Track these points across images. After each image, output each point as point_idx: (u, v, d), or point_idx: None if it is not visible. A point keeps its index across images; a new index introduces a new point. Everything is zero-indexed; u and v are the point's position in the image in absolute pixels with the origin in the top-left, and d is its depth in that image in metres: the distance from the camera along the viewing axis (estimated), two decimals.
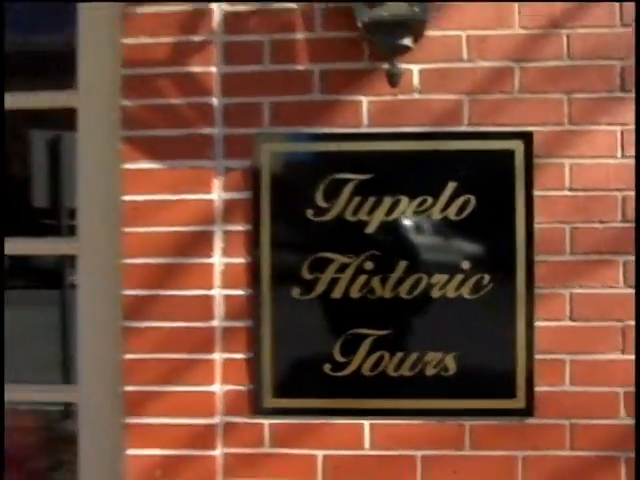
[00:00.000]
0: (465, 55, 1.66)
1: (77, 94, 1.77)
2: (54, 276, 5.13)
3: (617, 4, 1.63)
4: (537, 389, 1.63)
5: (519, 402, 1.63)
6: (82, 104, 1.76)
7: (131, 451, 1.67)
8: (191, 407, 1.66)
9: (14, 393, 1.83)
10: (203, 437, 1.67)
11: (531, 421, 1.64)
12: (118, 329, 1.70)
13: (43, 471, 2.65)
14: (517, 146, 1.62)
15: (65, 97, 1.82)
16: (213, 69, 1.68)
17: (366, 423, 1.68)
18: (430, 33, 1.64)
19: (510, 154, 1.62)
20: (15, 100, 1.81)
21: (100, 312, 1.73)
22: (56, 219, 4.49)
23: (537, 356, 1.63)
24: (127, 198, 1.66)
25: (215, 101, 1.68)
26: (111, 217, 1.71)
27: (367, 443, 1.68)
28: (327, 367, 1.66)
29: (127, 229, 1.66)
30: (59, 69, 1.94)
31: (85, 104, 1.76)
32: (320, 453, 1.68)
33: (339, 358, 1.66)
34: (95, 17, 1.74)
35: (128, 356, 1.67)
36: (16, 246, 1.84)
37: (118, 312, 1.71)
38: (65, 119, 1.95)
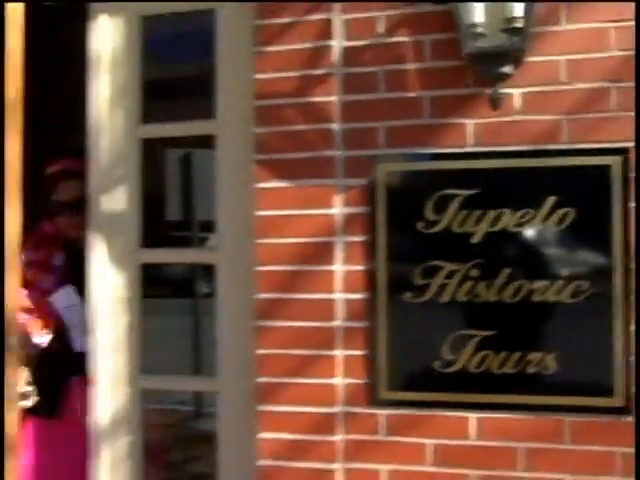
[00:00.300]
0: (563, 78, 1.91)
1: (215, 123, 2.17)
2: (184, 286, 5.70)
3: None
4: (634, 389, 1.84)
5: (617, 401, 1.86)
6: (220, 131, 2.15)
7: (262, 435, 2.00)
8: (315, 397, 1.92)
9: (165, 383, 2.24)
10: (325, 424, 1.95)
11: (630, 419, 1.86)
12: (252, 328, 2.07)
13: (178, 464, 3.09)
14: (614, 161, 1.86)
15: (205, 125, 2.22)
16: (334, 98, 2.01)
17: (472, 416, 1.92)
18: (530, 59, 1.91)
19: (607, 169, 1.86)
20: (162, 130, 2.24)
21: (236, 313, 2.10)
22: (188, 231, 5.03)
23: (632, 358, 1.85)
24: (260, 213, 2.02)
25: (336, 127, 2.01)
26: (246, 230, 2.07)
27: (473, 434, 1.94)
28: (437, 364, 1.95)
29: (260, 240, 2.02)
30: (198, 96, 2.34)
31: (223, 131, 2.14)
32: (430, 442, 1.93)
33: (448, 356, 1.95)
34: (231, 55, 2.12)
35: (261, 351, 2.01)
36: (161, 256, 2.26)
37: (252, 313, 2.08)
38: (194, 138, 2.36)
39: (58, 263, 2.20)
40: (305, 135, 1.89)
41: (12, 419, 1.78)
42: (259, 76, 1.90)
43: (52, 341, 2.17)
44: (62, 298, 2.15)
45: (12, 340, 1.79)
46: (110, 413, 2.17)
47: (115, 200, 2.17)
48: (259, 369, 1.87)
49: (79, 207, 2.13)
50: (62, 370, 2.18)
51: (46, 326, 2.15)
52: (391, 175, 1.92)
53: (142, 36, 2.17)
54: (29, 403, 2.07)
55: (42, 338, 2.13)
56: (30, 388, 2.06)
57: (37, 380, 2.12)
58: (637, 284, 1.84)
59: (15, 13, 1.80)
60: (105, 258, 2.16)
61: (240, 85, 2.05)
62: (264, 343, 1.88)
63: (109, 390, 2.17)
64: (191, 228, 5.18)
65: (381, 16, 1.95)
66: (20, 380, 1.96)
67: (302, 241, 1.86)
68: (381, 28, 1.95)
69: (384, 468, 1.86)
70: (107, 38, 2.17)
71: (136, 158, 2.16)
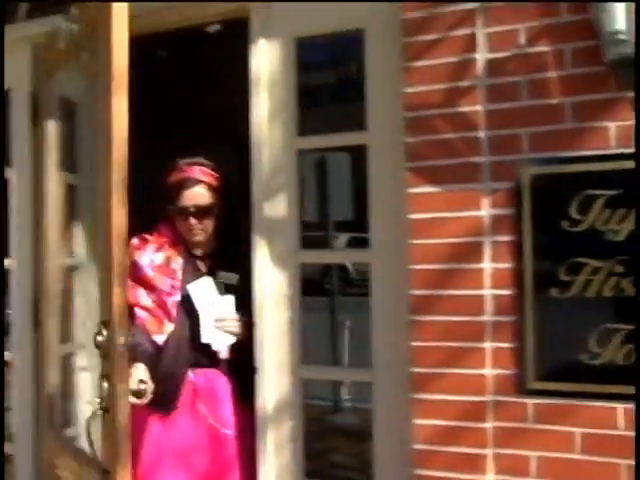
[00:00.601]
0: None
1: (367, 134, 2.50)
2: (318, 285, 6.16)
3: None
4: None
5: None
6: (371, 141, 2.47)
7: (417, 421, 2.24)
8: (466, 387, 2.03)
9: (323, 373, 2.60)
10: (476, 412, 2.09)
11: None
12: (404, 322, 2.37)
13: (319, 454, 3.43)
14: None
15: (357, 136, 2.56)
16: (479, 108, 2.26)
17: (620, 406, 2.06)
18: None
19: None
20: (317, 141, 2.60)
21: (390, 308, 2.38)
22: (322, 231, 5.44)
23: None
24: (413, 216, 2.29)
25: (482, 134, 2.24)
26: (399, 232, 2.36)
27: (621, 424, 2.06)
28: (583, 356, 2.15)
29: (414, 241, 2.29)
30: (347, 107, 2.67)
31: (374, 141, 2.46)
32: (578, 431, 1.98)
33: (594, 349, 2.15)
34: (380, 71, 2.43)
35: (415, 344, 2.24)
36: (319, 256, 2.62)
37: (404, 308, 2.38)
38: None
39: (176, 267, 2.35)
40: (453, 143, 2.08)
41: (123, 415, 1.91)
42: (408, 90, 2.13)
43: (173, 334, 2.32)
44: (199, 288, 2.26)
45: (124, 337, 1.92)
46: (274, 400, 2.51)
47: (276, 206, 2.52)
48: (414, 360, 2.06)
49: (200, 214, 2.34)
50: (179, 364, 2.33)
51: (163, 325, 2.30)
52: (535, 178, 2.15)
53: (297, 57, 2.52)
54: (144, 401, 2.15)
55: (160, 337, 2.29)
56: (144, 386, 2.13)
57: (154, 374, 2.23)
58: (637, 284, 2.01)
59: (121, 37, 2.06)
60: (267, 259, 2.52)
61: (389, 98, 2.33)
62: (418, 336, 2.06)
63: (273, 379, 2.51)
64: (327, 228, 5.64)
65: (522, 28, 2.18)
66: (133, 377, 2.11)
67: (453, 241, 2.03)
68: (522, 39, 2.19)
69: (533, 454, 1.95)
70: (266, 59, 2.53)
71: (294, 168, 2.51)
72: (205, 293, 2.27)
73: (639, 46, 1.95)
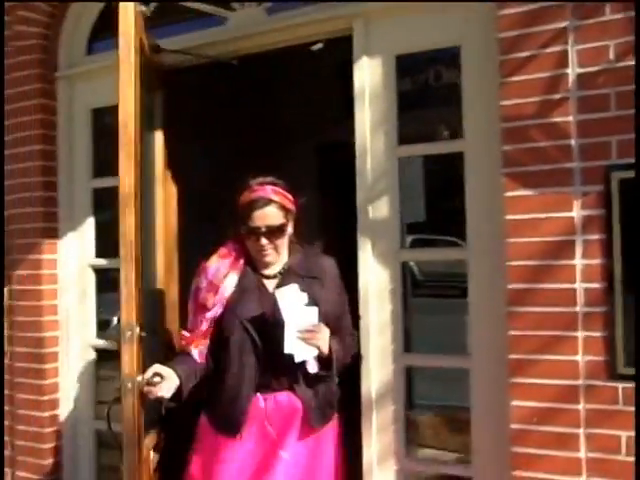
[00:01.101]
0: None
1: (464, 142, 2.76)
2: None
3: None
4: None
5: None
6: (468, 149, 2.73)
7: (514, 402, 2.34)
8: (559, 371, 2.18)
9: (424, 360, 2.86)
10: (569, 395, 2.18)
11: None
12: (500, 313, 2.59)
13: None
14: None
15: (454, 145, 2.82)
16: (570, 118, 2.45)
17: None
18: None
19: None
20: (417, 149, 2.87)
21: (488, 300, 2.62)
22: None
23: None
24: (509, 217, 2.49)
25: (573, 142, 2.38)
26: (495, 231, 2.60)
27: None
28: None
29: (510, 240, 2.55)
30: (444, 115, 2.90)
31: (470, 149, 2.72)
32: None
33: None
34: (476, 84, 2.66)
35: (512, 332, 2.39)
36: (418, 255, 2.90)
37: (499, 300, 2.61)
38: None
39: (228, 284, 2.29)
40: (546, 150, 2.25)
41: (128, 402, 2.18)
42: (504, 102, 2.34)
43: (235, 354, 2.27)
44: (287, 294, 2.14)
45: (130, 331, 2.23)
46: (378, 385, 2.79)
47: (379, 209, 2.81)
48: (511, 348, 2.24)
49: (271, 234, 2.27)
50: (243, 386, 2.26)
51: (197, 344, 2.28)
52: (623, 182, 2.37)
53: (397, 72, 2.80)
54: (156, 393, 2.18)
55: (194, 352, 2.28)
56: (157, 378, 2.16)
57: (216, 397, 2.28)
58: (637, 284, 2.17)
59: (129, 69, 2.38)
60: (372, 257, 2.80)
61: (485, 109, 2.59)
62: (515, 325, 2.25)
63: (377, 366, 2.78)
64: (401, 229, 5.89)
65: (612, 44, 2.41)
66: (150, 369, 2.20)
67: (546, 240, 2.21)
68: (611, 55, 2.42)
69: (624, 434, 2.07)
70: (367, 74, 2.81)
71: (395, 174, 2.79)
72: (292, 300, 2.14)
73: (639, 46, 2.12)
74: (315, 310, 2.16)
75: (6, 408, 3.58)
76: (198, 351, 2.25)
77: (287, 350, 2.11)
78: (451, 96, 2.56)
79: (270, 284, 2.31)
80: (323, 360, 2.22)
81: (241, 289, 2.26)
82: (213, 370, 2.28)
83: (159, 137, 3.10)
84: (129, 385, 2.16)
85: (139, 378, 2.17)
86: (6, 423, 3.57)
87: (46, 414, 3.44)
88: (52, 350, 3.47)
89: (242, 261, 2.30)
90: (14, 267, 3.51)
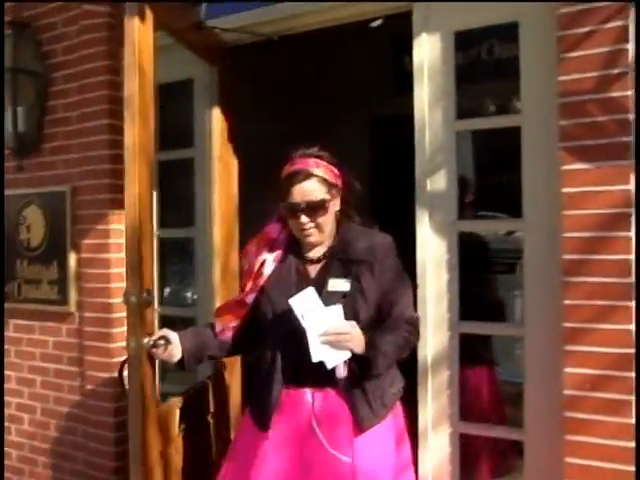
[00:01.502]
0: None
1: (521, 117, 2.83)
2: None
3: None
4: None
5: None
6: (525, 124, 2.81)
7: (568, 369, 2.52)
8: (612, 340, 2.25)
9: (479, 328, 2.97)
10: (621, 362, 2.25)
11: None
12: (557, 283, 2.70)
13: None
14: None
15: (511, 119, 2.90)
16: (629, 93, 2.51)
17: None
18: None
19: None
20: (474, 123, 2.96)
21: (543, 271, 2.71)
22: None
23: None
24: (566, 190, 2.55)
25: (630, 117, 2.53)
26: (551, 204, 2.71)
27: None
28: None
29: (566, 212, 2.63)
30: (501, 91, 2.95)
31: (527, 124, 2.79)
32: None
33: None
34: (534, 60, 2.75)
35: (567, 302, 2.47)
36: (475, 226, 2.99)
37: (553, 271, 2.70)
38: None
39: (265, 270, 2.13)
40: (604, 125, 2.28)
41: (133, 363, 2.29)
42: (562, 78, 2.45)
43: (267, 348, 2.13)
44: (301, 301, 1.93)
45: (135, 297, 2.38)
46: (434, 352, 2.92)
47: (436, 182, 2.91)
48: (565, 316, 2.32)
49: (312, 211, 2.06)
50: (272, 381, 2.07)
51: (225, 320, 2.23)
52: None
53: (454, 48, 2.87)
54: (160, 354, 2.24)
55: (218, 326, 2.25)
56: (162, 342, 2.21)
57: (252, 389, 2.18)
58: (637, 281, 2.23)
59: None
60: (429, 229, 2.91)
61: (542, 85, 2.66)
62: (569, 295, 2.32)
63: (433, 333, 2.91)
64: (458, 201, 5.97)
65: None
66: (157, 332, 2.28)
67: (602, 212, 2.26)
68: None
69: None
70: (427, 51, 2.90)
71: (452, 147, 2.88)
72: (309, 306, 1.92)
73: (639, 46, 2.16)
74: (338, 309, 1.93)
75: (76, 369, 3.78)
76: (222, 326, 2.19)
77: (315, 359, 1.91)
78: (508, 71, 2.61)
79: (313, 269, 2.13)
80: (362, 358, 1.97)
81: (279, 275, 2.11)
82: (252, 361, 2.17)
83: (217, 112, 3.24)
84: (132, 344, 2.29)
85: (145, 340, 2.25)
86: (76, 384, 3.77)
87: (114, 376, 3.61)
88: (119, 315, 3.63)
89: (283, 244, 2.13)
90: (83, 236, 3.69)
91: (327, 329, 1.89)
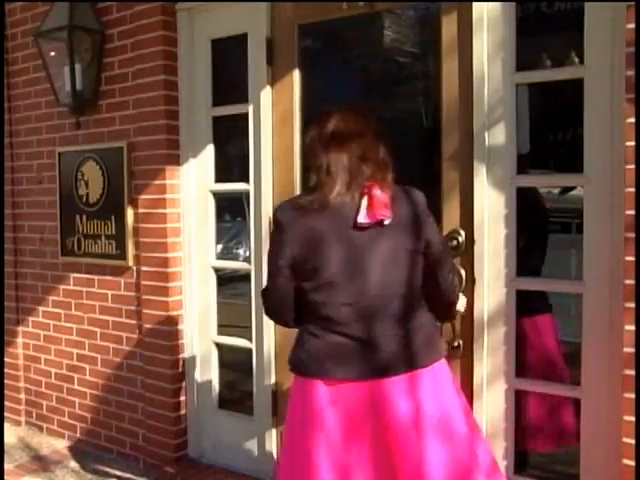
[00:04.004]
0: None
1: (583, 68, 2.75)
2: None
3: None
4: None
5: None
6: (588, 75, 2.72)
7: (627, 327, 2.50)
8: None
9: (538, 284, 2.94)
10: None
11: None
12: (617, 239, 2.65)
13: None
14: None
15: (575, 70, 2.80)
16: None
17: None
18: None
19: None
20: (535, 75, 2.88)
21: (603, 226, 2.63)
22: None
23: None
24: (629, 144, 2.54)
25: None
26: (613, 158, 2.62)
27: None
28: None
29: (629, 166, 2.53)
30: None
31: (590, 75, 2.70)
32: None
33: None
34: (601, 12, 2.67)
35: (627, 258, 2.51)
36: (534, 181, 2.95)
37: (614, 226, 2.63)
38: None
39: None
40: None
41: None
42: (629, 26, 2.40)
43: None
44: None
45: None
46: (490, 307, 2.91)
47: (495, 136, 2.86)
48: (626, 273, 2.31)
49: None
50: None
51: None
52: None
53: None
54: None
55: None
56: None
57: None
58: (637, 278, 2.18)
59: None
60: (487, 183, 2.87)
61: (607, 36, 2.58)
62: (631, 252, 2.26)
63: (489, 289, 2.89)
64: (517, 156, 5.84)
65: None
66: None
67: None
68: None
69: None
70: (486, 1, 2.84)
71: (512, 101, 2.81)
72: None
73: (639, 46, 2.10)
74: None
75: (134, 322, 3.88)
76: None
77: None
78: (571, 22, 2.54)
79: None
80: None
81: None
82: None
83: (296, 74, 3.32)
84: None
85: None
86: (134, 336, 3.87)
87: (171, 328, 3.70)
88: (176, 270, 3.71)
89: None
90: (140, 192, 3.76)
91: None
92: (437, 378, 2.01)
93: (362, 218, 1.94)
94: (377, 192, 1.94)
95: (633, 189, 2.43)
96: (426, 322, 2.09)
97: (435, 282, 2.08)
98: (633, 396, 2.41)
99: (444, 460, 1.90)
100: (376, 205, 1.93)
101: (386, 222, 1.95)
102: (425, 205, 2.06)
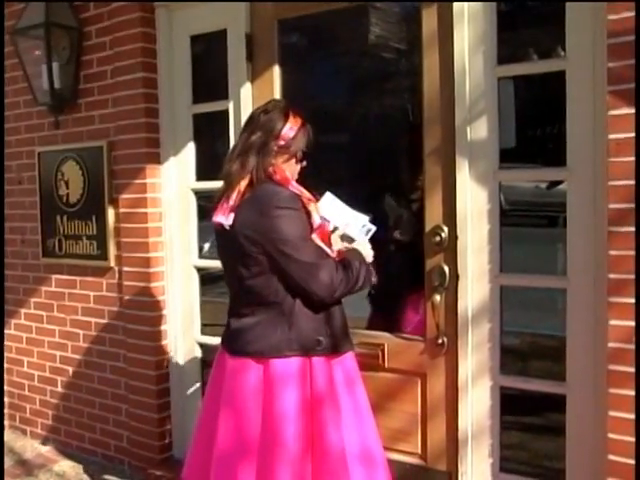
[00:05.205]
0: None
1: (565, 60, 2.69)
2: None
3: None
4: None
5: None
6: (570, 67, 2.64)
7: (613, 322, 2.45)
8: None
9: (520, 280, 2.89)
10: None
11: None
12: (601, 233, 2.58)
13: None
14: None
15: (555, 63, 2.75)
16: None
17: None
18: None
19: None
20: (516, 68, 2.83)
21: (587, 220, 2.58)
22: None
23: None
24: (612, 136, 2.46)
25: None
26: (596, 150, 2.61)
27: None
28: None
29: (612, 159, 2.52)
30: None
31: (572, 67, 2.62)
32: None
33: None
34: (581, 7, 2.62)
35: (612, 252, 2.44)
36: (517, 175, 2.91)
37: (598, 220, 2.57)
38: None
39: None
40: None
41: None
42: (612, 17, 2.36)
43: None
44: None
45: None
46: (474, 304, 2.87)
47: (478, 130, 2.81)
48: (610, 267, 2.25)
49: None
50: None
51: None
52: None
53: None
54: None
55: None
56: None
57: None
58: (637, 276, 2.15)
59: None
60: (469, 178, 2.83)
61: (588, 27, 2.54)
62: (615, 245, 2.23)
63: (473, 285, 2.85)
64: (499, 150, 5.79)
65: None
66: None
67: None
68: None
69: None
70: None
71: (494, 95, 2.77)
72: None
73: (639, 45, 2.09)
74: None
75: (117, 323, 3.83)
76: None
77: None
78: (554, 15, 2.49)
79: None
80: None
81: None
82: None
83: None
84: None
85: None
86: (117, 337, 3.82)
87: (154, 329, 3.65)
88: (158, 269, 3.66)
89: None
90: (120, 191, 3.70)
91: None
92: None
93: None
94: None
95: (618, 182, 2.39)
96: None
97: None
98: (619, 391, 2.37)
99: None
100: None
101: None
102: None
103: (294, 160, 2.17)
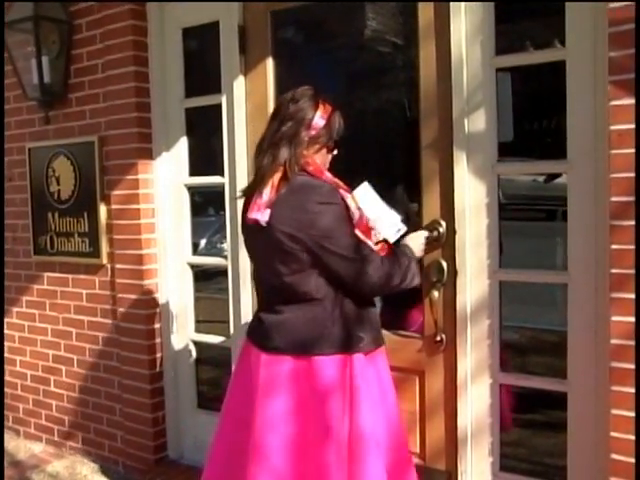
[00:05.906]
0: None
1: (564, 50, 2.62)
2: None
3: None
4: None
5: None
6: (570, 57, 2.58)
7: (615, 318, 2.39)
8: None
9: (520, 275, 2.82)
10: None
11: None
12: (602, 227, 2.52)
13: None
14: None
15: (555, 53, 2.68)
16: None
17: None
18: None
19: None
20: (514, 59, 2.75)
21: (587, 214, 2.53)
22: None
23: None
24: (614, 127, 2.38)
25: None
26: (597, 142, 2.54)
27: None
28: None
29: (613, 151, 2.47)
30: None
31: (572, 56, 2.56)
32: None
33: None
34: None
35: (614, 247, 2.38)
36: (516, 168, 2.84)
37: (599, 213, 2.51)
38: None
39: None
40: None
41: None
42: (613, 5, 2.29)
43: None
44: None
45: None
46: (473, 300, 2.81)
47: (475, 122, 2.75)
48: (612, 262, 2.17)
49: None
50: None
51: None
52: None
53: None
54: None
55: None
56: None
57: None
58: (637, 275, 2.12)
59: None
60: (467, 171, 2.76)
61: (589, 16, 2.46)
62: (617, 240, 2.17)
63: (472, 281, 2.79)
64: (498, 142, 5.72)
65: None
66: None
67: None
68: None
69: None
70: None
71: (492, 86, 2.70)
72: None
73: (639, 45, 2.05)
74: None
75: (110, 321, 3.76)
76: None
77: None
78: (554, 4, 2.42)
79: None
80: None
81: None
82: None
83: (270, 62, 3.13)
84: None
85: None
86: (110, 336, 3.75)
87: (148, 327, 3.58)
88: (151, 267, 3.59)
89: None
90: (112, 187, 3.63)
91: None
92: None
93: None
94: None
95: (620, 175, 2.33)
96: None
97: None
98: (621, 389, 2.31)
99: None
100: None
101: None
102: None
103: (325, 150, 2.09)
